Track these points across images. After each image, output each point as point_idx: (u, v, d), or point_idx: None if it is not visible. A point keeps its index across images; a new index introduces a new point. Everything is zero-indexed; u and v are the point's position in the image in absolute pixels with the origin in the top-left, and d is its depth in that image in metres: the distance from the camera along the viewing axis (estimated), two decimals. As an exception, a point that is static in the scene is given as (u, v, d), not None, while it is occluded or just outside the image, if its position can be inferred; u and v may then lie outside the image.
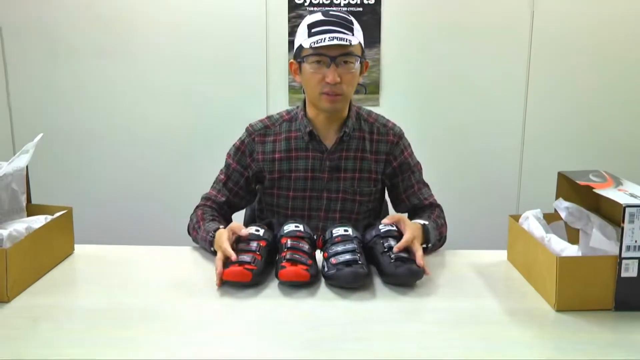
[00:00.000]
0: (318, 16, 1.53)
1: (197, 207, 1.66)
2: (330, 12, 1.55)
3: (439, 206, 1.70)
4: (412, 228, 1.39)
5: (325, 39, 1.47)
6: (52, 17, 2.63)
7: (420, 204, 1.68)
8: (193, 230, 1.58)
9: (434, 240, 1.50)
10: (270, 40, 2.64)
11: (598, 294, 1.16)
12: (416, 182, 1.70)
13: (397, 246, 1.32)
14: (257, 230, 1.37)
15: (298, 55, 1.56)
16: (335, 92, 1.52)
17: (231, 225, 1.40)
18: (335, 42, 1.47)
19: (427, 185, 1.74)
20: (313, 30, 1.51)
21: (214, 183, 1.71)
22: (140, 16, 2.63)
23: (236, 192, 1.67)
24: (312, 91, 1.56)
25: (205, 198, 1.68)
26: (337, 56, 1.50)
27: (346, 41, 1.48)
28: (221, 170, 1.70)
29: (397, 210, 1.73)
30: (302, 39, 1.53)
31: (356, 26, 1.55)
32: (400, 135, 1.69)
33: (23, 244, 1.26)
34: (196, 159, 2.74)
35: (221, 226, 1.46)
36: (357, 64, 1.54)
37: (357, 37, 1.52)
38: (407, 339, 1.07)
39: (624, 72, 2.69)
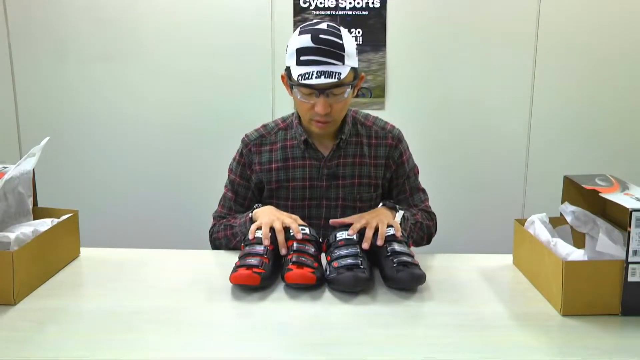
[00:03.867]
0: (307, 41, 1.42)
1: (214, 225, 1.67)
2: (320, 37, 1.42)
3: (429, 212, 1.70)
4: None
5: (312, 74, 1.40)
6: (58, 20, 2.64)
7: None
8: (225, 231, 1.60)
9: (407, 215, 1.55)
10: (275, 43, 2.65)
11: (604, 299, 1.15)
12: (409, 187, 1.69)
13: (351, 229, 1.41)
14: None
15: (289, 77, 1.50)
16: (325, 120, 1.50)
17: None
18: (322, 79, 1.40)
19: (422, 191, 1.72)
20: (302, 59, 1.42)
21: (221, 201, 1.70)
22: (146, 20, 2.64)
23: (248, 206, 1.67)
24: (303, 115, 1.54)
25: (220, 217, 1.68)
26: (326, 89, 1.44)
27: (334, 77, 1.41)
28: (226, 187, 1.69)
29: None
30: (291, 62, 1.45)
31: (348, 50, 1.44)
32: (399, 138, 1.67)
33: (29, 247, 1.26)
34: (202, 163, 2.74)
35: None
36: (349, 90, 1.48)
37: (348, 64, 1.43)
38: (411, 343, 1.06)
39: (632, 75, 2.68)
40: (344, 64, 1.43)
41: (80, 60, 2.68)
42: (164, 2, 2.63)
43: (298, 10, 2.61)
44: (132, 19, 2.64)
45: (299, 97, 1.48)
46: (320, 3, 2.61)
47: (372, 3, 2.62)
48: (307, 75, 1.41)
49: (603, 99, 2.71)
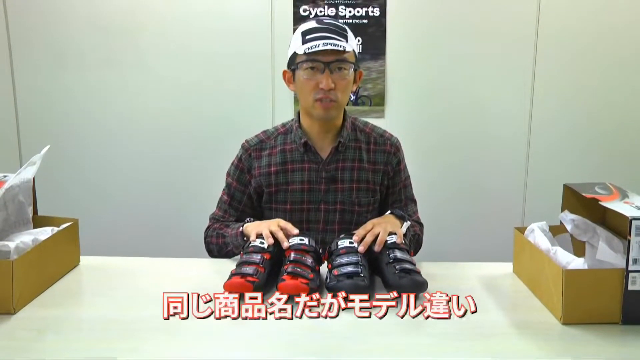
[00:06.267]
0: (312, 24, 1.54)
1: (209, 227, 1.69)
2: (325, 20, 1.55)
3: (421, 224, 1.73)
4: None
5: (319, 44, 1.48)
6: (59, 28, 2.65)
7: None
8: (218, 238, 1.61)
9: (408, 222, 1.54)
10: (275, 52, 2.65)
11: (605, 307, 1.15)
12: (405, 197, 1.72)
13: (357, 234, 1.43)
14: (262, 243, 1.37)
15: (292, 63, 1.56)
16: (329, 98, 1.52)
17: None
18: (329, 47, 1.47)
19: (414, 202, 1.75)
20: (307, 37, 1.51)
21: (218, 203, 1.71)
22: (146, 27, 2.65)
23: (242, 210, 1.68)
24: (306, 98, 1.55)
25: (215, 219, 1.70)
26: (331, 62, 1.50)
27: (340, 47, 1.48)
28: (223, 190, 1.71)
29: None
30: (296, 46, 1.53)
31: (350, 34, 1.55)
32: (397, 147, 1.70)
33: (29, 255, 1.26)
34: (203, 171, 2.74)
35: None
36: (351, 71, 1.54)
37: (350, 44, 1.52)
38: (411, 351, 1.06)
39: (632, 82, 2.68)
40: (347, 42, 1.52)
41: (80, 67, 2.68)
42: (164, 10, 2.64)
43: (298, 19, 2.62)
44: (132, 26, 2.65)
45: (303, 76, 1.52)
46: (320, 11, 2.62)
47: (372, 12, 2.63)
48: (313, 47, 1.48)
49: (603, 107, 2.71)
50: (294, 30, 2.59)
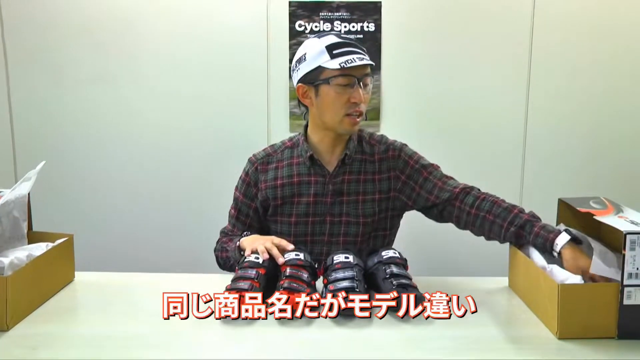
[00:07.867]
0: (333, 38, 1.53)
1: (218, 240, 1.71)
2: (342, 35, 1.55)
3: (474, 188, 1.64)
4: (572, 260, 1.29)
5: (354, 59, 1.48)
6: (55, 43, 2.65)
7: (451, 195, 1.60)
8: (222, 252, 1.64)
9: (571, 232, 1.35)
10: (271, 67, 2.66)
11: (601, 322, 1.15)
12: (438, 179, 1.64)
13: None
14: (257, 258, 1.37)
15: (316, 78, 1.53)
16: (359, 112, 1.55)
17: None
18: (364, 62, 1.49)
19: (449, 177, 1.68)
20: (335, 52, 1.50)
21: (228, 217, 1.73)
22: (143, 41, 2.66)
23: (250, 224, 1.69)
24: (336, 113, 1.55)
25: (224, 233, 1.72)
26: (362, 76, 1.52)
27: (370, 61, 1.51)
28: (232, 204, 1.72)
29: (431, 215, 1.67)
30: (323, 60, 1.50)
31: None
32: (400, 149, 1.68)
33: (24, 271, 1.25)
34: (198, 188, 2.73)
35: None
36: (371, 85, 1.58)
37: None
38: (408, 367, 1.06)
39: (628, 96, 2.69)
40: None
41: (75, 82, 2.68)
42: (160, 25, 2.64)
43: (293, 34, 2.63)
44: (128, 41, 2.65)
45: (334, 91, 1.52)
46: (316, 27, 2.64)
47: (367, 27, 2.65)
48: (349, 61, 1.48)
49: (597, 124, 2.72)
50: (290, 47, 2.63)
